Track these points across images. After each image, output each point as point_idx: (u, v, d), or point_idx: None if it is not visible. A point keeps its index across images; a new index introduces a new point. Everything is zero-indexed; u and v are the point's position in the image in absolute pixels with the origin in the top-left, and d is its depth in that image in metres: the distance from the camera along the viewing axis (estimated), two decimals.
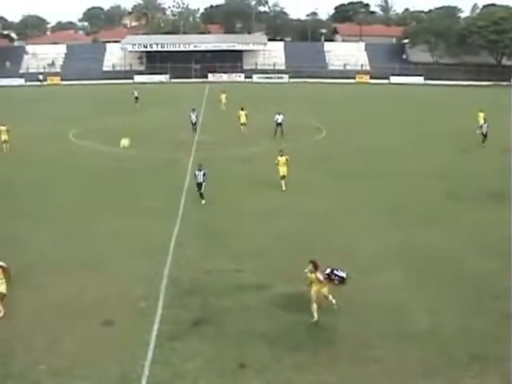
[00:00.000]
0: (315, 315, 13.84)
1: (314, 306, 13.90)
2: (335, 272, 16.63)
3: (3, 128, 35.22)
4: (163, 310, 14.75)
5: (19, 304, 14.96)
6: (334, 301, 14.32)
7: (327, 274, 16.56)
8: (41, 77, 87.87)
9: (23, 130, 40.47)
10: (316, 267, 14.00)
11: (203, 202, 23.93)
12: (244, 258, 18.19)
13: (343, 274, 16.58)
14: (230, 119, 43.25)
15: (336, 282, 16.39)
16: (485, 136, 36.21)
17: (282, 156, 25.92)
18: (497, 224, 20.77)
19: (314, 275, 13.99)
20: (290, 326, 13.70)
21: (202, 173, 23.85)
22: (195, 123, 40.91)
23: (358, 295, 15.60)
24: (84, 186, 27.13)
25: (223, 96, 53.86)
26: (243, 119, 40.29)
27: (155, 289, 15.94)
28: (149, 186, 26.87)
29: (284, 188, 25.76)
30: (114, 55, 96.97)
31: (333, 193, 25.88)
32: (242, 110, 40.84)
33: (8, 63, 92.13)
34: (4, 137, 35.03)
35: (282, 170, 25.86)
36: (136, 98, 57.89)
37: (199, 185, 23.97)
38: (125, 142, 12.62)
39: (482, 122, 37.43)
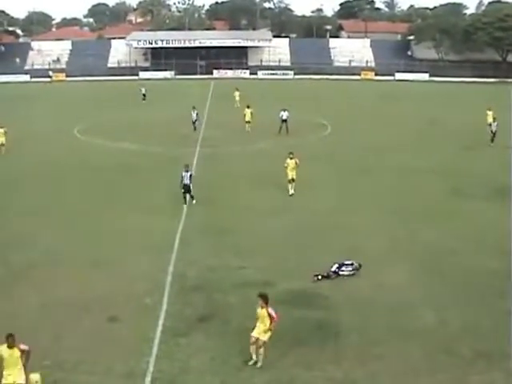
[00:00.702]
0: (253, 356, 12.29)
1: (253, 347, 12.29)
2: (346, 263, 16.80)
3: (1, 130, 33.74)
4: (168, 306, 14.80)
5: (24, 300, 15.02)
6: (260, 362, 12.25)
7: (333, 271, 16.60)
8: (51, 73, 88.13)
9: (28, 126, 40.57)
10: (266, 301, 12.21)
11: (184, 206, 23.04)
12: (248, 254, 18.20)
13: (356, 263, 16.79)
14: (236, 115, 43.22)
15: (348, 272, 16.59)
16: (494, 135, 36.07)
17: (291, 159, 24.55)
18: (501, 221, 20.68)
19: (264, 310, 12.19)
20: (294, 322, 13.70)
21: (188, 174, 23.06)
22: (195, 121, 40.78)
23: (363, 292, 15.62)
24: (89, 182, 27.15)
25: (237, 93, 52.83)
26: (248, 117, 39.99)
27: (160, 285, 15.98)
28: (154, 183, 26.88)
29: (292, 192, 24.73)
30: (119, 51, 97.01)
31: (337, 190, 25.85)
32: (248, 107, 40.57)
33: (18, 60, 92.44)
34: (1, 139, 33.49)
35: (291, 174, 24.60)
36: (143, 94, 57.86)
37: (185, 186, 23.04)
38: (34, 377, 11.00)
39: (490, 120, 37.21)
